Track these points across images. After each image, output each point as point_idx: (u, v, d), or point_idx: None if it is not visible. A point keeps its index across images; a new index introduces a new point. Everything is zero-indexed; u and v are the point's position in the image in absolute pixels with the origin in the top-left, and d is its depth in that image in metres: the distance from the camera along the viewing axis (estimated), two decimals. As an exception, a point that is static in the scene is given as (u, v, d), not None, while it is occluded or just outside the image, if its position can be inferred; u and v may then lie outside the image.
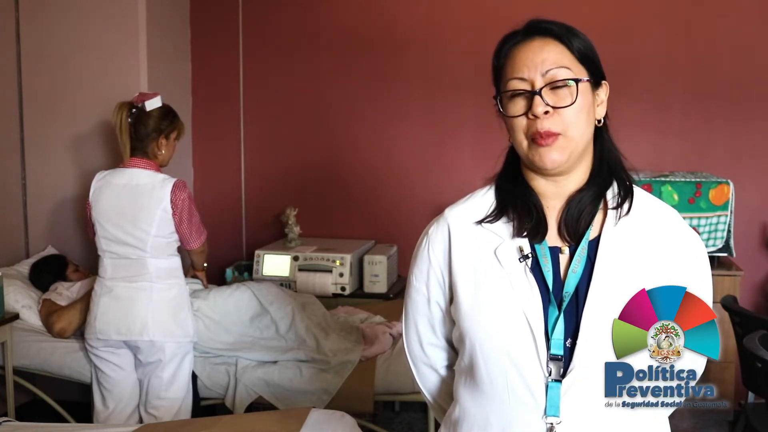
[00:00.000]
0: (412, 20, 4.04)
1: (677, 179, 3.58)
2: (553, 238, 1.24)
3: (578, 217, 1.22)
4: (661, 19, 3.89)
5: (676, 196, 3.55)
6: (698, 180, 3.57)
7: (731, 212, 3.58)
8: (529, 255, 1.21)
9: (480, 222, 1.26)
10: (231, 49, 4.19)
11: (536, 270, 1.21)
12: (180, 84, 4.11)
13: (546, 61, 1.19)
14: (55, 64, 3.69)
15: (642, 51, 3.89)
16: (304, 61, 4.14)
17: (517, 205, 1.25)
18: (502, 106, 1.23)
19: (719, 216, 3.57)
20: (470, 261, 1.25)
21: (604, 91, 1.26)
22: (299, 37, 4.14)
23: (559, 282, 1.21)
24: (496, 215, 1.26)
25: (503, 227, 1.25)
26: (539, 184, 1.25)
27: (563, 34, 1.21)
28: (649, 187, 3.54)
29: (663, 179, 3.58)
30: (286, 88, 4.17)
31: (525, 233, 1.23)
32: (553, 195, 1.25)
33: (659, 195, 3.53)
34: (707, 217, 3.57)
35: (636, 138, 3.89)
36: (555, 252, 1.23)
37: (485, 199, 1.29)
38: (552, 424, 1.15)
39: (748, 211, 3.80)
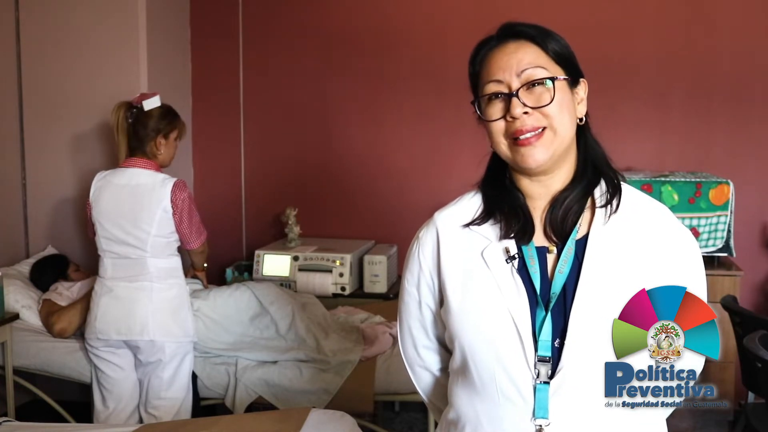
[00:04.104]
0: (412, 20, 4.04)
1: (677, 179, 3.58)
2: (540, 238, 1.23)
3: (564, 217, 1.22)
4: (661, 19, 3.89)
5: (676, 196, 3.55)
6: (698, 180, 3.57)
7: (731, 212, 3.58)
8: (516, 256, 1.21)
9: (468, 225, 1.26)
10: (231, 49, 4.19)
11: (524, 271, 1.21)
12: (180, 84, 4.11)
13: (521, 62, 1.19)
14: (55, 64, 3.69)
15: (642, 51, 3.89)
16: (305, 61, 4.14)
17: (504, 207, 1.25)
18: (481, 112, 1.23)
19: (719, 216, 3.57)
20: (459, 264, 1.25)
21: (583, 89, 1.25)
22: (299, 37, 4.14)
23: (546, 282, 1.20)
24: (483, 217, 1.26)
25: (490, 229, 1.25)
26: (525, 184, 1.25)
27: (537, 36, 1.21)
28: (649, 187, 3.54)
29: (663, 179, 3.58)
30: (286, 88, 4.17)
31: (512, 235, 1.23)
32: (539, 195, 1.24)
33: (659, 195, 3.53)
34: (707, 217, 3.57)
35: (636, 138, 3.90)
36: (542, 252, 1.22)
37: (473, 201, 1.29)
38: (541, 425, 1.14)
39: (748, 211, 3.80)
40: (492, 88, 1.20)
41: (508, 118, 1.18)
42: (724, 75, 3.85)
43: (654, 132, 3.93)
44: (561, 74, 1.20)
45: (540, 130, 1.17)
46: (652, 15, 3.89)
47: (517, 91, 1.17)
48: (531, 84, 1.18)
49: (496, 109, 1.20)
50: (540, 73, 1.18)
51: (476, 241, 1.25)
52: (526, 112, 1.17)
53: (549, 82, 1.18)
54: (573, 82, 1.23)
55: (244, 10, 4.17)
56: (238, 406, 2.96)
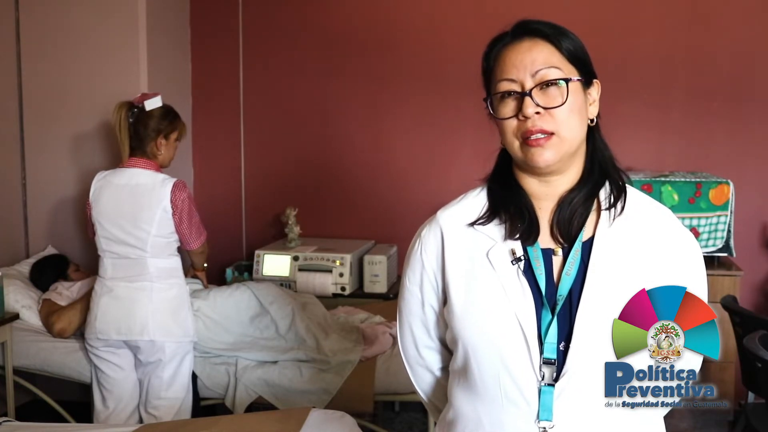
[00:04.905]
0: (411, 20, 4.04)
1: (677, 179, 3.58)
2: (545, 239, 1.23)
3: (570, 219, 1.21)
4: (661, 19, 3.89)
5: (676, 196, 3.55)
6: (698, 180, 3.57)
7: (731, 212, 3.58)
8: (522, 258, 1.20)
9: (472, 224, 1.25)
10: (231, 49, 4.19)
11: (529, 273, 1.20)
12: (180, 84, 4.11)
13: (535, 61, 1.18)
14: (55, 64, 3.69)
15: (642, 51, 3.89)
16: (305, 61, 4.14)
17: (509, 207, 1.24)
18: (493, 109, 1.22)
19: (719, 216, 3.57)
20: (463, 263, 1.24)
21: (596, 90, 1.25)
22: (299, 37, 4.14)
23: (552, 284, 1.19)
24: (488, 217, 1.25)
25: (495, 229, 1.24)
26: (531, 184, 1.24)
27: (552, 35, 1.20)
28: (649, 187, 3.54)
29: (663, 179, 3.58)
30: (286, 88, 4.17)
31: (517, 235, 1.22)
32: (545, 196, 1.24)
33: (659, 195, 3.53)
34: (707, 217, 3.57)
35: (636, 138, 3.90)
36: (548, 254, 1.22)
37: (478, 200, 1.28)
38: (545, 428, 1.14)
39: (748, 211, 3.80)
40: (505, 86, 1.19)
41: (520, 117, 1.18)
42: (724, 75, 3.85)
43: (654, 132, 3.93)
44: (575, 75, 1.20)
45: (548, 134, 1.17)
46: (653, 15, 3.89)
47: (530, 90, 1.17)
48: (545, 84, 1.17)
49: (508, 108, 1.19)
50: (554, 74, 1.18)
51: (481, 241, 1.24)
52: (537, 112, 1.16)
53: (563, 83, 1.17)
54: (586, 83, 1.22)
55: (244, 10, 4.17)
56: (238, 406, 2.96)
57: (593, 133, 1.25)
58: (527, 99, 1.16)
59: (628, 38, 3.88)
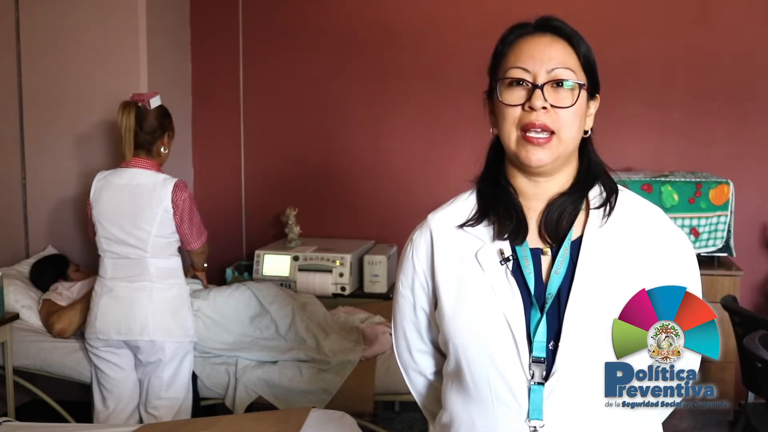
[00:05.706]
0: (412, 21, 4.04)
1: (677, 179, 3.58)
2: (534, 239, 1.23)
3: (559, 218, 1.22)
4: (661, 19, 3.89)
5: (676, 196, 3.55)
6: (698, 180, 3.57)
7: (731, 212, 3.58)
8: (510, 258, 1.20)
9: (461, 226, 1.26)
10: (231, 49, 4.19)
11: (518, 273, 1.20)
12: (180, 84, 4.11)
13: (553, 59, 1.19)
14: (55, 64, 3.69)
15: (642, 51, 3.89)
16: (305, 61, 4.14)
17: (498, 207, 1.24)
18: (499, 93, 1.21)
19: (719, 216, 3.57)
20: (453, 265, 1.24)
21: (594, 105, 1.26)
22: (299, 37, 4.14)
23: (541, 284, 1.20)
24: (477, 218, 1.25)
25: (484, 230, 1.24)
26: (520, 182, 1.24)
27: (573, 36, 1.22)
28: (649, 187, 3.54)
29: (663, 179, 3.58)
30: (286, 88, 4.17)
31: (506, 235, 1.22)
32: (534, 195, 1.24)
33: (659, 195, 3.53)
34: (707, 217, 3.57)
35: (636, 138, 3.90)
36: (537, 254, 1.22)
37: (467, 202, 1.29)
38: (535, 427, 1.14)
39: (748, 211, 3.80)
40: (517, 73, 1.19)
41: (526, 108, 1.18)
42: (724, 75, 3.85)
43: (654, 132, 3.93)
44: (586, 82, 1.21)
45: (549, 134, 1.17)
46: (653, 15, 3.89)
47: (543, 85, 1.17)
48: (557, 83, 1.18)
49: (516, 96, 1.19)
50: (568, 76, 1.19)
51: (470, 242, 1.24)
52: (544, 107, 1.17)
53: (575, 87, 1.18)
54: (591, 95, 1.24)
55: (244, 10, 4.17)
56: (238, 406, 2.96)
57: (586, 146, 1.26)
58: (537, 91, 1.17)
59: (629, 38, 3.88)
